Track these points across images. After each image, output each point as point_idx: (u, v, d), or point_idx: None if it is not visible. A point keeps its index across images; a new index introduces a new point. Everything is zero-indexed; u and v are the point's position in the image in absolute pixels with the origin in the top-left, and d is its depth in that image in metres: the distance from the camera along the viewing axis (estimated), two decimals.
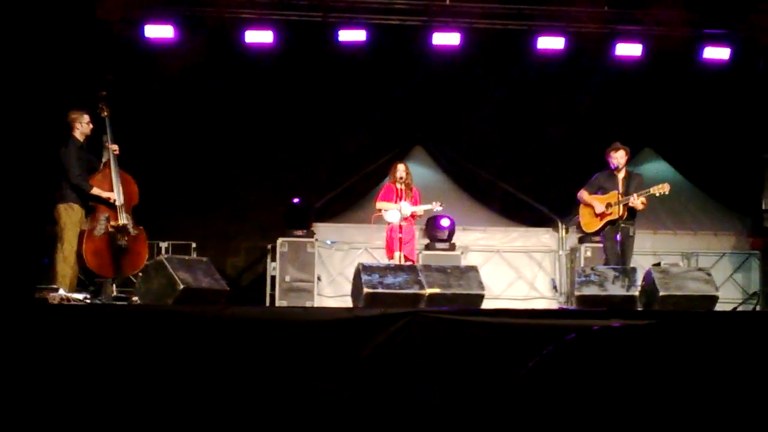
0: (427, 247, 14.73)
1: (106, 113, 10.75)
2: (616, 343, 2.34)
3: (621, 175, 11.77)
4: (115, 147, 10.70)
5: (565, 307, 14.43)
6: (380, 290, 9.44)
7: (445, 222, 14.67)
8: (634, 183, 11.68)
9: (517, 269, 15.88)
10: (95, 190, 10.37)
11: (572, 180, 12.92)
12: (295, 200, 14.88)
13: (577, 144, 16.28)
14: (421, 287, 9.63)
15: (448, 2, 15.06)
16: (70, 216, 10.27)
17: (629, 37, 15.54)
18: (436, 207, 12.67)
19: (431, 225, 14.82)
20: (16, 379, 6.76)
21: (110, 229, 10.39)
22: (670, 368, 2.28)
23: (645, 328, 2.32)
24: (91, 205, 10.44)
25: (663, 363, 2.30)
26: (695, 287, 10.49)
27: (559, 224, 16.02)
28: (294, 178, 16.53)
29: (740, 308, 13.65)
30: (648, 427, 2.26)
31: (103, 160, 10.70)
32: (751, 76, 16.11)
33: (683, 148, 16.98)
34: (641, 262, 12.97)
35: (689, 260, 15.63)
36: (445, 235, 14.84)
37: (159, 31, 15.08)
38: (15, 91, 14.55)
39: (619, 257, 11.46)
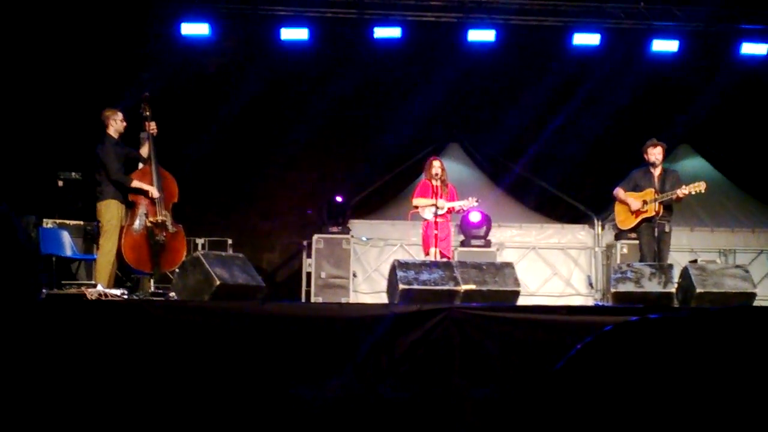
0: (463, 244, 14.72)
1: (148, 113, 10.80)
2: (655, 335, 2.33)
3: (657, 172, 11.70)
4: (154, 126, 10.74)
5: (600, 303, 14.38)
6: (416, 286, 9.42)
7: (474, 217, 14.58)
8: (670, 180, 11.61)
9: (552, 266, 15.85)
10: (135, 183, 10.41)
11: (608, 176, 12.87)
12: (338, 198, 14.90)
13: (613, 140, 16.25)
14: (457, 283, 9.60)
15: None
16: (111, 212, 10.31)
17: (665, 33, 15.47)
18: (473, 203, 12.63)
19: (464, 222, 14.78)
20: (53, 373, 6.82)
21: (149, 224, 10.44)
22: (709, 362, 2.27)
23: (683, 320, 2.31)
24: (131, 201, 10.48)
25: (701, 356, 2.29)
26: (733, 284, 10.39)
27: (595, 221, 15.97)
28: (330, 175, 16.58)
29: None
30: (686, 421, 2.26)
31: (143, 150, 10.75)
32: None
33: (721, 145, 16.88)
34: (678, 259, 12.91)
35: (726, 257, 15.55)
36: (480, 232, 14.83)
37: (195, 29, 15.16)
38: (51, 87, 14.75)
39: (656, 254, 11.40)
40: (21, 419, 6.62)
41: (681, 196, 11.37)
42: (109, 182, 10.32)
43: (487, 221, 14.92)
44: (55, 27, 14.58)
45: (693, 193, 11.39)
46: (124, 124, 10.67)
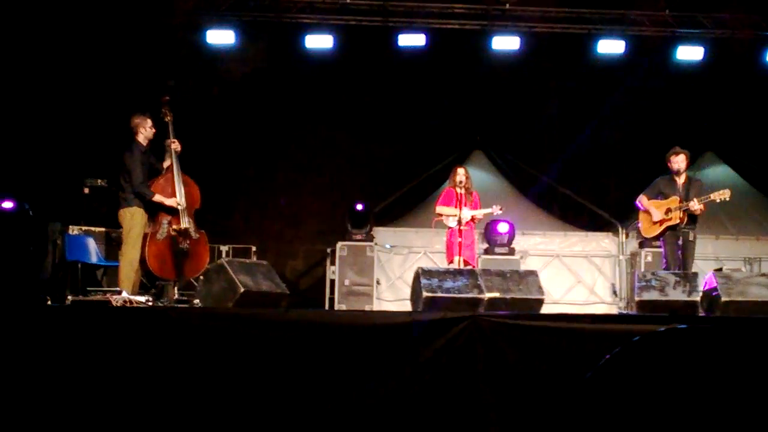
0: (487, 252, 14.70)
1: (169, 118, 10.83)
2: (683, 345, 2.33)
3: (681, 179, 11.66)
4: (177, 144, 10.75)
5: (625, 312, 14.32)
6: (439, 294, 9.41)
7: (503, 227, 14.63)
8: (694, 188, 11.57)
9: (576, 274, 15.80)
10: (157, 197, 10.43)
11: (632, 184, 12.84)
12: (359, 206, 14.87)
13: (638, 148, 16.18)
14: (481, 291, 9.58)
15: (507, 6, 15.05)
16: (134, 220, 10.36)
17: (690, 41, 15.41)
18: (496, 211, 12.62)
19: (489, 230, 14.79)
20: (78, 379, 6.85)
21: (172, 233, 10.48)
22: (736, 372, 2.27)
23: (711, 331, 2.31)
24: (154, 209, 10.52)
25: (728, 366, 2.29)
26: (758, 293, 10.30)
27: (620, 229, 15.91)
28: (354, 182, 16.60)
29: None
30: (714, 428, 2.25)
31: (165, 164, 10.77)
32: None
33: (746, 152, 16.80)
34: (703, 268, 12.84)
35: (752, 265, 15.46)
36: (504, 240, 14.81)
37: (220, 37, 15.21)
38: (79, 94, 14.83)
39: (680, 262, 11.36)
40: (45, 424, 6.65)
41: (704, 206, 11.35)
42: (132, 190, 10.36)
43: (511, 229, 14.91)
44: (83, 35, 14.65)
45: (718, 200, 11.35)
46: (154, 131, 10.71)
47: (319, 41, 15.37)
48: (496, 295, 9.60)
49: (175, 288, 11.02)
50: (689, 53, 15.49)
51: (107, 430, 6.71)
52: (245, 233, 15.70)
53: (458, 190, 12.35)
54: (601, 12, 15.31)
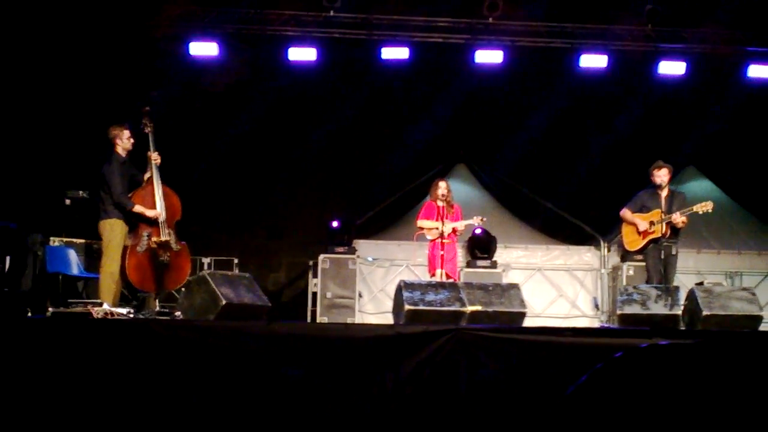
0: (469, 265, 14.70)
1: (149, 129, 10.79)
2: (664, 361, 2.33)
3: (664, 193, 11.70)
4: (157, 156, 10.70)
5: (606, 325, 14.34)
6: (421, 307, 9.42)
7: (477, 231, 14.57)
8: (677, 201, 11.60)
9: (558, 287, 15.80)
10: (137, 208, 10.38)
11: (615, 198, 12.86)
12: (335, 223, 14.86)
13: (620, 162, 16.22)
14: (463, 304, 9.59)
15: (491, 20, 15.06)
16: (114, 232, 10.31)
17: (673, 55, 15.45)
18: (477, 221, 12.63)
19: (470, 239, 14.78)
20: (62, 390, 6.82)
21: (153, 245, 10.42)
22: (717, 386, 2.27)
23: (692, 347, 2.31)
24: (134, 221, 10.47)
25: (709, 381, 2.29)
26: (739, 307, 10.36)
27: (601, 242, 15.93)
28: (336, 195, 16.59)
29: None
30: None
31: (146, 175, 10.73)
32: None
33: (727, 167, 16.85)
34: (684, 281, 12.86)
35: (733, 280, 15.50)
36: (482, 245, 14.80)
37: (203, 49, 15.16)
38: (60, 105, 14.78)
39: (662, 276, 11.37)
40: None
41: (687, 219, 11.39)
42: (112, 201, 10.32)
43: (492, 242, 14.91)
44: (64, 45, 14.61)
45: (700, 212, 11.40)
46: (132, 141, 10.66)
47: (303, 54, 15.32)
48: (478, 308, 9.61)
49: (157, 300, 10.97)
50: (671, 68, 15.52)
51: None
52: (227, 245, 15.64)
53: (439, 203, 12.35)
54: (584, 26, 15.34)
